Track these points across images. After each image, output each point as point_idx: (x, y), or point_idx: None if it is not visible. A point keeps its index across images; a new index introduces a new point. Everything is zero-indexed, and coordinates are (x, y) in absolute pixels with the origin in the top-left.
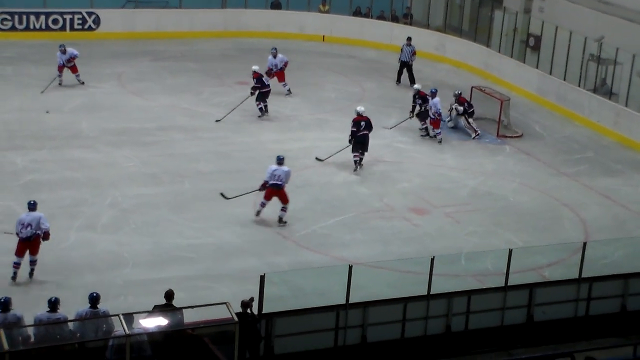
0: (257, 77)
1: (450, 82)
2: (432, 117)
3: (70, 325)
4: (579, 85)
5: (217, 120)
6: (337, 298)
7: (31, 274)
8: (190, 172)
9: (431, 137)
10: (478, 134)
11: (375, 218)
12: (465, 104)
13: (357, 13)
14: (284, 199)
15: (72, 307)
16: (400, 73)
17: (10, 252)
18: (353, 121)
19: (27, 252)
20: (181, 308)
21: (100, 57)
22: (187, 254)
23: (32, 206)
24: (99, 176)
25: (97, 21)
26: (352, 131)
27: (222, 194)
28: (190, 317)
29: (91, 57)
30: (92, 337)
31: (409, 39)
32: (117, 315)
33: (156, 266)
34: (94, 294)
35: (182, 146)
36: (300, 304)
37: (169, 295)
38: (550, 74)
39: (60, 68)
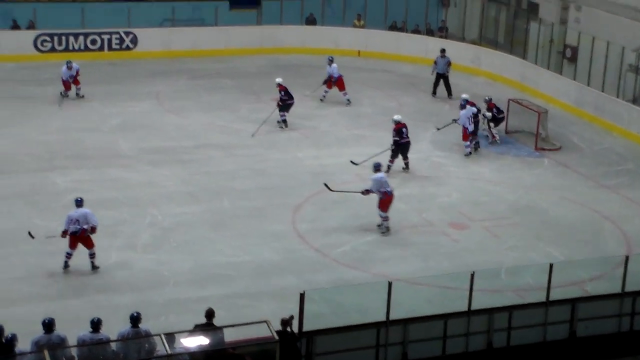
0: (284, 89)
1: (486, 95)
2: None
3: (113, 345)
4: (617, 96)
5: (252, 135)
6: (378, 315)
7: (93, 266)
8: (227, 190)
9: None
10: (495, 140)
11: (414, 233)
12: (494, 110)
13: (392, 27)
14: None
15: (114, 327)
16: (436, 85)
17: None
18: (394, 130)
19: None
20: (222, 327)
21: (137, 76)
22: (226, 272)
23: (79, 203)
24: (138, 195)
25: (134, 40)
26: (394, 140)
27: (325, 184)
28: (230, 335)
29: (129, 76)
30: (135, 357)
31: (443, 50)
32: (159, 334)
33: (196, 284)
34: (135, 314)
35: (219, 164)
36: (341, 321)
37: (210, 314)
38: (588, 85)
39: (67, 84)
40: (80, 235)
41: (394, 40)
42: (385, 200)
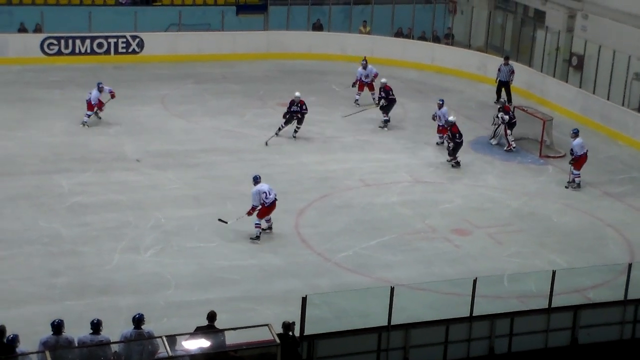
0: (303, 102)
1: (492, 103)
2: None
3: (115, 347)
4: (623, 105)
5: (265, 144)
6: (379, 320)
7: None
8: (232, 194)
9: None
10: (511, 148)
11: (417, 239)
12: (510, 113)
13: (398, 34)
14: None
15: (116, 329)
16: (499, 92)
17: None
18: (451, 131)
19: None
20: (223, 330)
21: (143, 80)
22: (229, 275)
23: (259, 178)
24: (142, 198)
25: (140, 44)
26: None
27: (220, 219)
28: (232, 338)
29: (135, 80)
30: (137, 359)
31: (507, 57)
32: (160, 337)
33: (199, 287)
34: (138, 315)
35: (224, 168)
36: (342, 325)
37: (212, 316)
38: (594, 93)
39: (98, 105)
40: (273, 203)
41: (400, 46)
42: (263, 210)
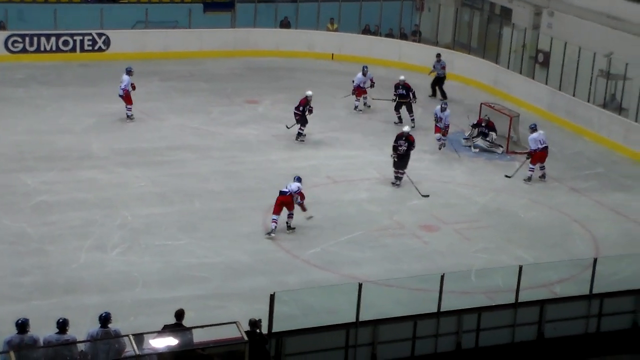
0: (304, 102)
1: (459, 99)
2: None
3: (82, 346)
4: (589, 101)
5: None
6: (347, 316)
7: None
8: (200, 192)
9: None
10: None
11: (385, 236)
12: (482, 124)
13: (365, 31)
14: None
15: (82, 328)
16: (434, 86)
17: None
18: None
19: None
20: (190, 328)
21: (110, 78)
22: (197, 273)
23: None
24: (109, 196)
25: (107, 42)
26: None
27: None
28: (200, 336)
29: (101, 78)
30: (104, 357)
31: (439, 55)
32: (127, 335)
33: (166, 286)
34: (105, 314)
35: (192, 166)
36: (311, 322)
37: (179, 314)
38: (560, 89)
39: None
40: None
41: (368, 43)
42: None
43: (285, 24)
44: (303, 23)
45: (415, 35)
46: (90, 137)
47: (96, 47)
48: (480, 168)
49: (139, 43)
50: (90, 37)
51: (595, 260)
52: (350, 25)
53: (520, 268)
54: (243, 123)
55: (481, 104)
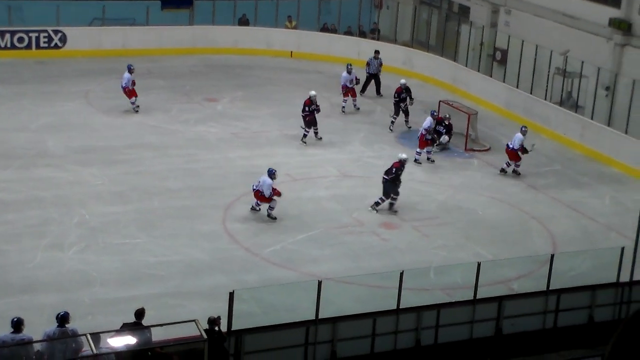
0: (309, 102)
1: (418, 97)
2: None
3: (38, 345)
4: (546, 99)
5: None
6: (307, 314)
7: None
8: (158, 190)
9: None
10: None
11: (344, 233)
12: (443, 124)
13: (324, 29)
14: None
15: (39, 327)
16: (366, 85)
17: None
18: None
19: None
20: (149, 326)
21: (66, 75)
22: (156, 271)
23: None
24: (66, 195)
25: (63, 39)
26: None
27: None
28: (159, 335)
29: (58, 75)
30: (60, 357)
31: (377, 52)
32: (84, 334)
33: (125, 284)
34: (62, 313)
35: (150, 164)
36: (270, 320)
37: (139, 313)
38: (517, 87)
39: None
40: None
41: (326, 41)
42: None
43: (244, 22)
44: (262, 20)
45: (373, 33)
46: (47, 135)
47: (52, 44)
48: (439, 166)
49: (96, 40)
50: (46, 34)
51: (552, 257)
52: (309, 22)
53: (479, 265)
54: (202, 121)
55: (440, 101)
